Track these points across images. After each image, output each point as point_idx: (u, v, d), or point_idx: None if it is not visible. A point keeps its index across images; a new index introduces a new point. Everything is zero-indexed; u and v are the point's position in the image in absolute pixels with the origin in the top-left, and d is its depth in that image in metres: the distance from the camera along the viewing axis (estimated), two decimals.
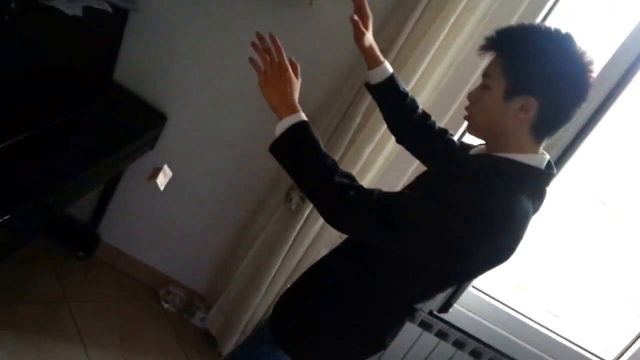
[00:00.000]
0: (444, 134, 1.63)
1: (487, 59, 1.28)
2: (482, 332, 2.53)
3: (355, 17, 1.52)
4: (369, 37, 1.58)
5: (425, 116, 1.66)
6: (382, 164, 2.17)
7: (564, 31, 1.21)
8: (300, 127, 1.29)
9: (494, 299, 2.57)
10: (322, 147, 1.29)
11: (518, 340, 2.56)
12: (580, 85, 1.19)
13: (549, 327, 2.62)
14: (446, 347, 2.55)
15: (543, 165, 1.25)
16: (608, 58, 2.02)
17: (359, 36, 1.55)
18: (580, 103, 1.21)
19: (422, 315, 2.47)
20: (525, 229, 1.24)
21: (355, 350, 1.45)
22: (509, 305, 2.59)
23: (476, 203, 1.15)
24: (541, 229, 2.56)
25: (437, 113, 2.04)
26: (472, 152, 1.40)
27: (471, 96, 1.31)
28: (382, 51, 1.95)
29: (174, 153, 2.43)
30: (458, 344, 2.55)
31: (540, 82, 1.19)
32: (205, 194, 2.53)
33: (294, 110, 1.31)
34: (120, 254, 2.68)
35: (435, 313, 2.44)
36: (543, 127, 1.23)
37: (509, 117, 1.22)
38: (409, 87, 1.97)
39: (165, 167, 2.22)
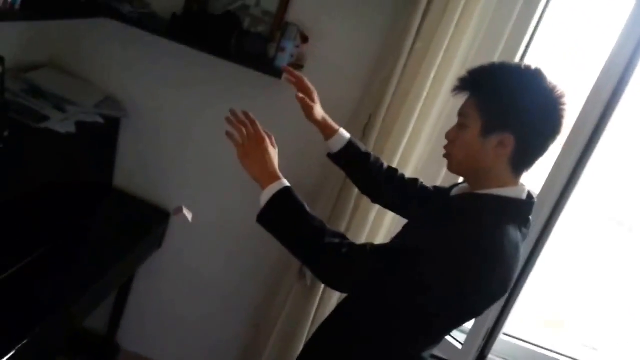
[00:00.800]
0: (415, 183, 1.66)
1: (462, 99, 1.32)
2: None
3: (301, 95, 1.57)
4: (319, 110, 1.63)
5: (393, 171, 1.69)
6: (389, 224, 2.16)
7: (534, 67, 1.26)
8: (284, 194, 1.31)
9: (527, 342, 2.50)
10: (308, 209, 1.30)
11: None
12: (553, 119, 1.24)
13: None
14: None
15: (524, 196, 1.29)
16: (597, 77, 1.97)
17: (308, 112, 1.60)
18: (555, 136, 1.26)
19: None
20: (518, 259, 1.26)
21: None
22: (543, 346, 2.52)
23: (466, 241, 1.18)
24: (560, 259, 2.52)
25: (433, 167, 2.09)
26: (453, 192, 1.42)
27: (449, 135, 1.34)
28: (370, 115, 2.01)
29: (182, 246, 2.44)
30: None
31: (515, 119, 1.22)
32: (218, 281, 2.51)
33: (275, 178, 1.33)
34: (142, 359, 2.63)
35: None
36: (521, 161, 1.27)
37: (488, 153, 1.25)
38: (401, 145, 2.01)
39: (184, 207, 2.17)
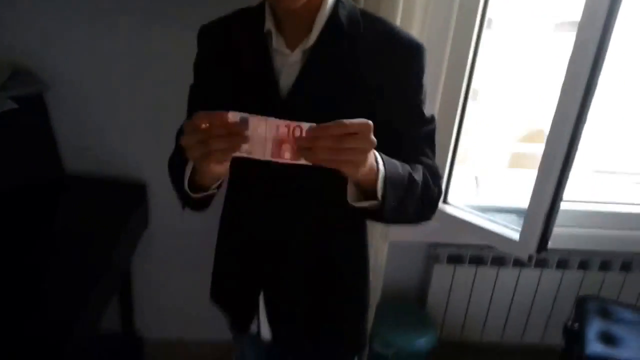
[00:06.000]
0: None
1: None
2: (598, 242, 2.20)
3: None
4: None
5: None
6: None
7: None
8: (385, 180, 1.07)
9: (585, 202, 2.24)
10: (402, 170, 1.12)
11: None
12: None
13: None
14: (572, 274, 2.26)
15: None
16: None
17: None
18: None
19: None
20: None
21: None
22: (600, 200, 2.26)
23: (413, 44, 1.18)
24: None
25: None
26: (321, 47, 1.16)
27: None
28: None
29: (169, 217, 2.01)
30: (583, 265, 2.25)
31: None
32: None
33: (375, 168, 1.06)
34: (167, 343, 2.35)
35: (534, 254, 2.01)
36: None
37: None
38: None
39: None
